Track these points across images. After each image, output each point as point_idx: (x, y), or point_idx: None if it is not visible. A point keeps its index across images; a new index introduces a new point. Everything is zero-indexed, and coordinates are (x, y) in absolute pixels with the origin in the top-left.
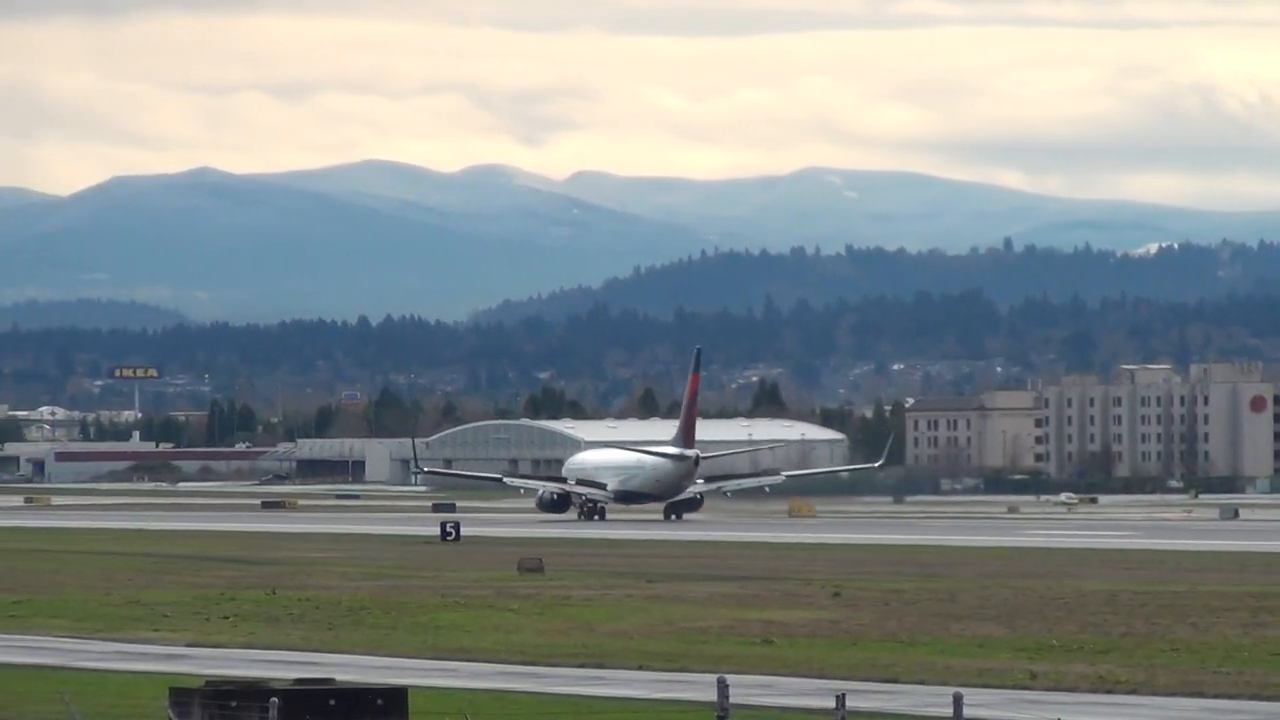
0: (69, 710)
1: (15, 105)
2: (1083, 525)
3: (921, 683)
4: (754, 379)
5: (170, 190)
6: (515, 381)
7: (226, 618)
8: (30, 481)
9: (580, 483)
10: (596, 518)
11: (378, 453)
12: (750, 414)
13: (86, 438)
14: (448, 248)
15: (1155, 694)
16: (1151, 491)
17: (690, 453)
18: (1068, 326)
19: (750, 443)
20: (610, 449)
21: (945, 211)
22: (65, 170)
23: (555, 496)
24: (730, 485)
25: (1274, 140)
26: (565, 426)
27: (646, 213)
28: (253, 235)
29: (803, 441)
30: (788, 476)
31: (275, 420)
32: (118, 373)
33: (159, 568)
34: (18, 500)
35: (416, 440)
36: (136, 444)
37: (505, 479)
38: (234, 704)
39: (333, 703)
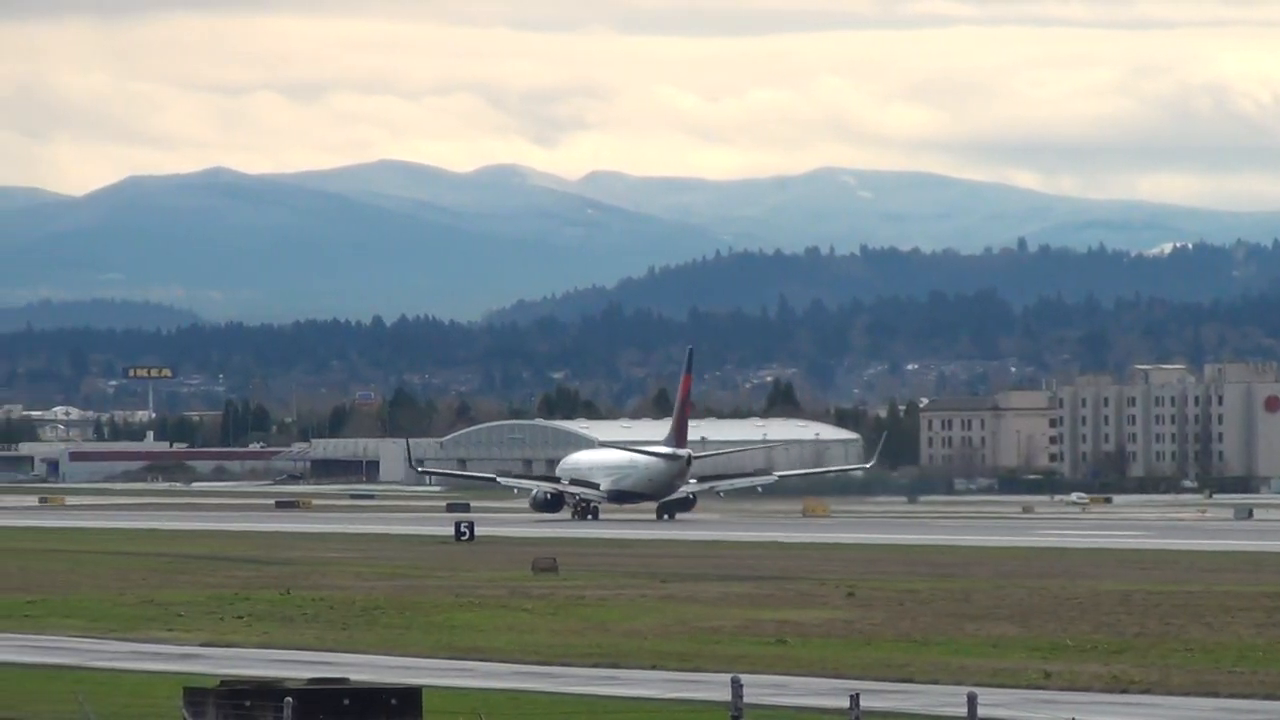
0: (83, 710)
1: (29, 105)
2: (1097, 525)
3: (936, 682)
4: (768, 379)
5: (184, 190)
6: (529, 381)
7: (241, 617)
8: (44, 481)
9: (574, 482)
10: (590, 517)
11: (392, 453)
12: (765, 414)
13: (101, 438)
14: (462, 248)
15: (1170, 694)
16: (1166, 491)
17: (682, 452)
18: (1082, 326)
19: (744, 443)
20: (604, 449)
21: (959, 211)
22: (79, 170)
23: (548, 496)
24: (723, 485)
25: None
26: (579, 426)
27: (660, 213)
28: (267, 235)
29: (817, 441)
30: (780, 476)
31: (289, 420)
32: (132, 373)
33: (173, 567)
34: (32, 500)
35: (412, 440)
36: (151, 444)
37: (499, 478)
38: (248, 704)
39: (347, 702)
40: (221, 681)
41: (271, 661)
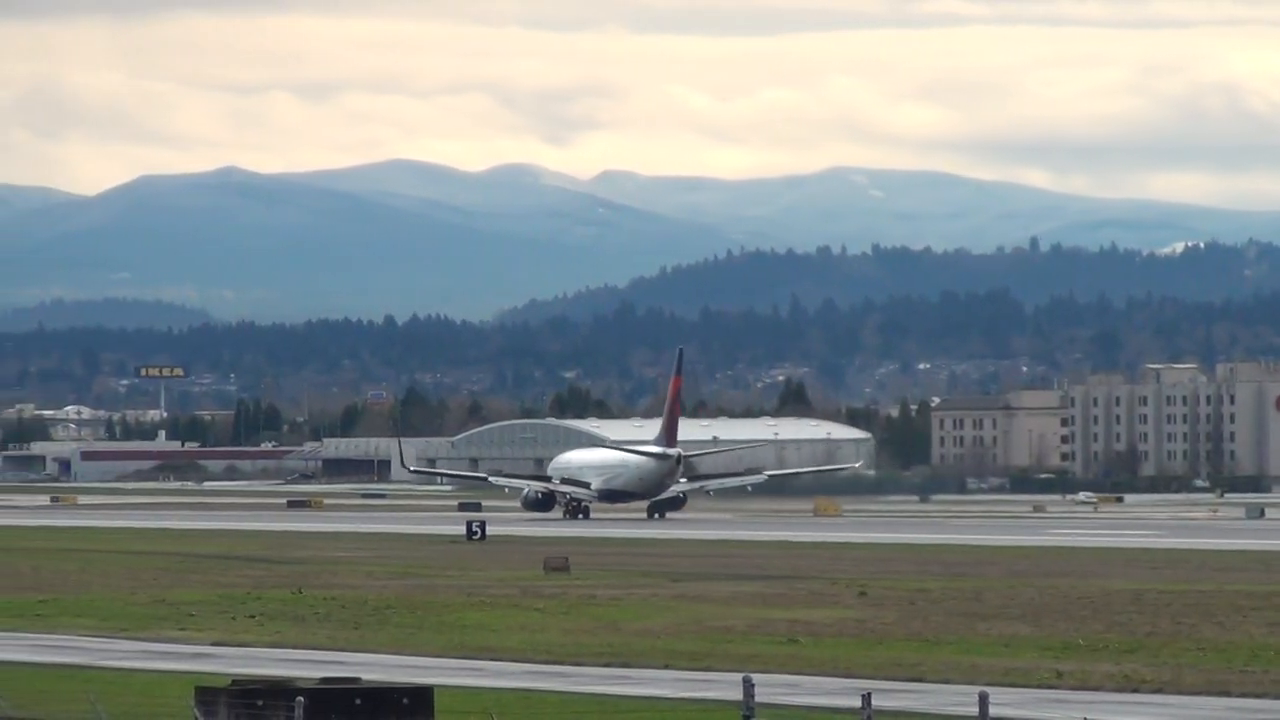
0: (95, 709)
1: (41, 105)
2: (1108, 525)
3: (947, 682)
4: (780, 378)
5: (196, 190)
6: (541, 381)
7: (252, 617)
8: (56, 481)
9: (565, 481)
10: (581, 516)
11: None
12: (776, 413)
13: (112, 437)
14: (473, 247)
15: (1181, 693)
16: (1177, 491)
17: (673, 452)
18: (1093, 326)
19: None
20: (595, 448)
21: (971, 211)
22: (91, 170)
23: (540, 495)
24: (712, 484)
25: None
26: (591, 426)
27: (672, 212)
28: (279, 234)
29: (829, 441)
30: (770, 476)
31: (301, 419)
32: (143, 372)
33: (185, 567)
34: (44, 499)
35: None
36: (162, 443)
37: (490, 477)
38: (260, 703)
39: (359, 702)
40: (233, 681)
41: (283, 661)
